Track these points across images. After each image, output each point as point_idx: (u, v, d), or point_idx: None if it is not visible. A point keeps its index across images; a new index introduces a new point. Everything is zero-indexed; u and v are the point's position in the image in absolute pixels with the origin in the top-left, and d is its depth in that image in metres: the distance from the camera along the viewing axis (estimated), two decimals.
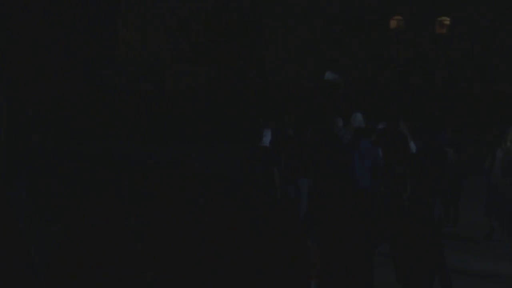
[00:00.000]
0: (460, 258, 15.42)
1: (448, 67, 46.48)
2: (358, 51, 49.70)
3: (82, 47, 35.27)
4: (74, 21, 34.79)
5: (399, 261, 12.45)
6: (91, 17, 36.75)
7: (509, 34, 48.83)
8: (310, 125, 20.39)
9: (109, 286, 9.94)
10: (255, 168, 18.14)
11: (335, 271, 11.70)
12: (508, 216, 18.68)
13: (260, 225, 11.21)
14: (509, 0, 48.77)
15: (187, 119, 32.95)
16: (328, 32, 49.75)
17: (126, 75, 40.36)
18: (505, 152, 18.49)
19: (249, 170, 18.24)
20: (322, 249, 11.81)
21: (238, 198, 12.92)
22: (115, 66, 40.85)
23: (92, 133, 29.94)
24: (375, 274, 12.56)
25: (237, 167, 19.39)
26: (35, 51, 30.59)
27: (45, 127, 28.84)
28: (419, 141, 18.63)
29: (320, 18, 50.71)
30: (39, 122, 28.32)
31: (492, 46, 48.86)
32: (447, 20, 52.45)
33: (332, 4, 51.64)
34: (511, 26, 49.28)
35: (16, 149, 23.25)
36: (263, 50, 50.21)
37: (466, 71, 45.49)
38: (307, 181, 17.90)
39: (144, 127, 31.25)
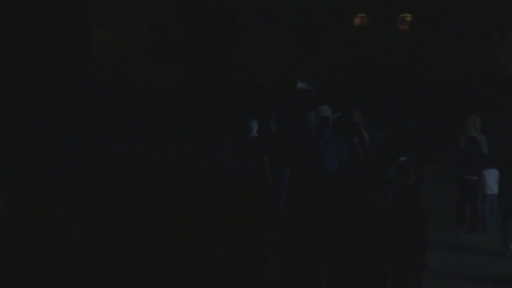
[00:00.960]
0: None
1: (408, 60, 46.66)
2: (324, 47, 49.23)
3: (56, 47, 35.14)
4: (48, 21, 34.61)
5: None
6: (64, 16, 36.68)
7: (466, 29, 49.28)
8: (288, 119, 20.84)
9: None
10: (248, 156, 18.09)
11: (302, 246, 12.03)
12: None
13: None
14: None
15: (167, 116, 32.14)
16: (295, 30, 49.82)
17: (101, 73, 39.70)
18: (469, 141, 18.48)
19: (243, 158, 18.14)
20: (289, 226, 12.73)
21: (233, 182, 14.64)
22: (89, 65, 40.93)
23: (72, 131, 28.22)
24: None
25: (225, 157, 19.36)
26: (9, 51, 30.61)
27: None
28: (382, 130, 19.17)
29: (287, 17, 50.50)
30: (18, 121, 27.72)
31: (452, 40, 49.14)
32: (408, 17, 52.71)
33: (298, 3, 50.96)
34: (470, 22, 49.91)
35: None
36: (234, 48, 49.69)
37: (425, 63, 45.66)
38: (288, 170, 18.22)
39: (124, 125, 29.89)
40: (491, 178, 18.16)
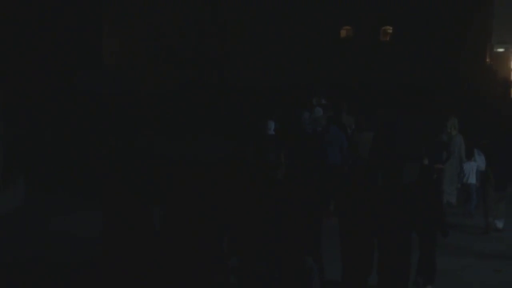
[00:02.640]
0: None
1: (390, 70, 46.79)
2: (314, 56, 49.61)
3: (69, 55, 35.14)
4: (60, 30, 34.46)
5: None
6: (76, 27, 36.49)
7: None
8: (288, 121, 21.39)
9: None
10: (267, 152, 17.99)
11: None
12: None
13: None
14: (444, 11, 49.93)
15: (178, 119, 30.73)
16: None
17: (110, 80, 38.69)
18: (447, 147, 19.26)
19: (262, 154, 17.80)
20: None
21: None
22: (100, 72, 38.25)
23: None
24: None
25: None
26: (22, 56, 30.34)
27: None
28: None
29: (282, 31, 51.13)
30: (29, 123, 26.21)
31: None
32: (389, 29, 53.17)
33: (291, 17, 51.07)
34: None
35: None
36: (228, 55, 49.67)
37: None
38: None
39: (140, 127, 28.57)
40: (470, 170, 18.90)
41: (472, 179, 19.17)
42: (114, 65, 44.61)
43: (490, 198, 18.02)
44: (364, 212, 12.08)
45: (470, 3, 51.04)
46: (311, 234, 11.66)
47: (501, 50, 68.08)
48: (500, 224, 17.98)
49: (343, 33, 53.94)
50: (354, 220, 12.09)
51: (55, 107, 29.56)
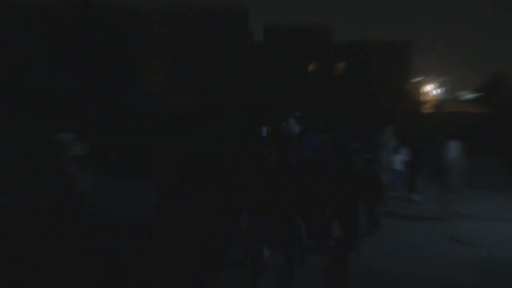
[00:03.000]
0: None
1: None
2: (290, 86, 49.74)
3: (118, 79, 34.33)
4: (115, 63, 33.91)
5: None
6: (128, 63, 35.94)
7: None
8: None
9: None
10: (263, 147, 17.75)
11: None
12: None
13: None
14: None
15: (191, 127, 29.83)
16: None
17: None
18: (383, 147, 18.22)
19: (260, 148, 17.55)
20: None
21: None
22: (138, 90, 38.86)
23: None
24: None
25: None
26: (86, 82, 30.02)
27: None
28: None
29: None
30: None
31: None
32: (342, 65, 53.51)
33: None
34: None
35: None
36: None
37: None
38: None
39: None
40: (398, 161, 18.29)
41: (399, 167, 18.56)
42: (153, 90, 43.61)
43: (413, 179, 18.19)
44: (328, 188, 12.12)
45: (395, 53, 51.39)
46: (299, 201, 11.25)
47: (418, 79, 68.16)
48: (419, 198, 17.95)
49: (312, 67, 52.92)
50: (321, 194, 12.11)
51: (118, 118, 28.66)
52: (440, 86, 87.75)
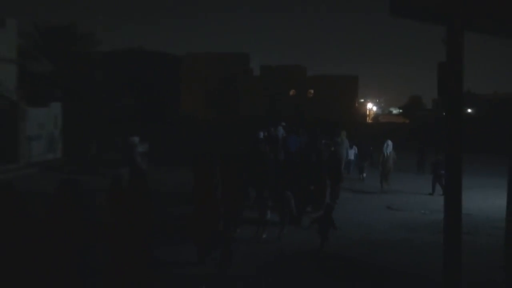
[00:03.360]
0: None
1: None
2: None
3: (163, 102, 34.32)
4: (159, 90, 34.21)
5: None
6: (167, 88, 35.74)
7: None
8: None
9: None
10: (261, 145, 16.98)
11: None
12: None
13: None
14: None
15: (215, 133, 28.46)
16: None
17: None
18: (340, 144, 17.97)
19: (258, 146, 16.51)
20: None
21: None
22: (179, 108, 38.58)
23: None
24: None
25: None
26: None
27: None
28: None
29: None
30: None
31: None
32: (311, 92, 53.70)
33: None
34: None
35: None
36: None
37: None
38: None
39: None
40: (351, 154, 18.47)
41: (351, 157, 18.62)
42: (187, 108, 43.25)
43: (361, 166, 18.12)
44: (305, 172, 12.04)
45: (347, 83, 51.23)
46: (288, 180, 11.54)
47: (362, 100, 68.20)
48: (364, 176, 17.89)
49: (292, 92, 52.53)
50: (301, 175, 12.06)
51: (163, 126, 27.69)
52: (376, 104, 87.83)
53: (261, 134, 18.51)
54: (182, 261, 8.12)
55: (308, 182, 11.85)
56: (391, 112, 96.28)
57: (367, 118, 65.35)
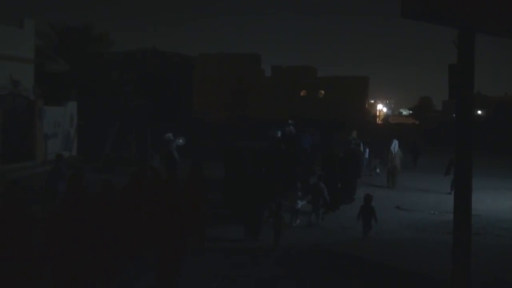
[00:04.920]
0: None
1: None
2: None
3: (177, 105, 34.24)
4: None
5: None
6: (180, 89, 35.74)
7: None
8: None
9: None
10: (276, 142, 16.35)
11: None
12: None
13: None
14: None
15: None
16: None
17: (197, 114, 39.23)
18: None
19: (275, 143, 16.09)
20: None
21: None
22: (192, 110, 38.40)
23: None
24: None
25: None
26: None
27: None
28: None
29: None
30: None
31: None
32: (322, 92, 53.53)
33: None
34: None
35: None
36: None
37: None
38: None
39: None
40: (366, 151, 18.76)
41: (366, 155, 18.97)
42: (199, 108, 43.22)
43: (374, 162, 18.85)
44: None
45: (358, 84, 50.98)
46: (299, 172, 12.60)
47: (372, 101, 67.88)
48: (378, 172, 18.43)
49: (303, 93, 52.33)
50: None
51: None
52: (386, 105, 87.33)
53: (279, 133, 18.40)
54: (232, 238, 9.60)
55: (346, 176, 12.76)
56: (401, 113, 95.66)
57: (377, 119, 65.10)
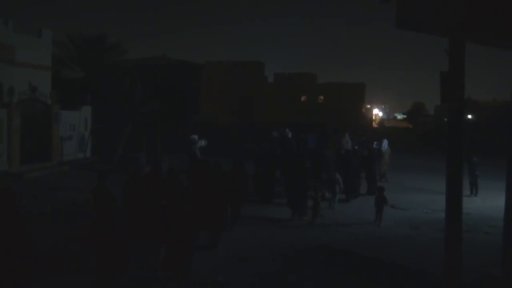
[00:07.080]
0: None
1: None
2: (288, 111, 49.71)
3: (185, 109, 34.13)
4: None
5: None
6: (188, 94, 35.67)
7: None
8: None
9: None
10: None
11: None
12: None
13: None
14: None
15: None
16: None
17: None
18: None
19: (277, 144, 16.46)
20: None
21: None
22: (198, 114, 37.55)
23: None
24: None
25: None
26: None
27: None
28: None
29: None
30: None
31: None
32: (321, 98, 53.44)
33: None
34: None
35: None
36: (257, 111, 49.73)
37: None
38: None
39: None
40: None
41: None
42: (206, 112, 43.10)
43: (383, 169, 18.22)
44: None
45: (355, 90, 50.78)
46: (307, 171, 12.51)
47: (368, 106, 67.84)
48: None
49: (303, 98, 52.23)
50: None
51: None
52: (382, 110, 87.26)
53: (289, 134, 17.95)
54: (282, 218, 11.19)
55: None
56: (395, 117, 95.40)
57: (373, 122, 64.96)
